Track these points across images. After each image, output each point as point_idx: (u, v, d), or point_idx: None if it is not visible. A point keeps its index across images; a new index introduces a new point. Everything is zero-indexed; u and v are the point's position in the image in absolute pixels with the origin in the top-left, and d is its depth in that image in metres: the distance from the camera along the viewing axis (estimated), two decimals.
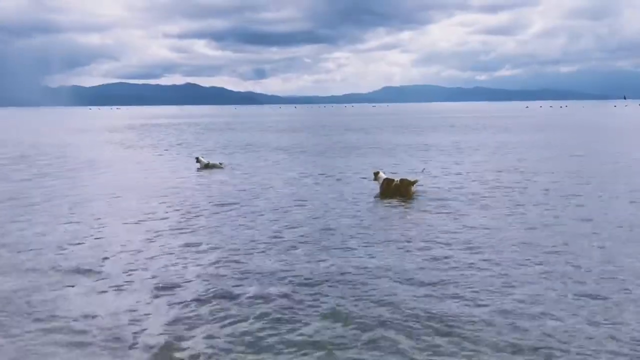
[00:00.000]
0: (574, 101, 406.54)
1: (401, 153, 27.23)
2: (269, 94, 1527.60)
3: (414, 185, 14.16)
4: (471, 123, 61.92)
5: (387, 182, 14.37)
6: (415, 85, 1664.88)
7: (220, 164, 21.80)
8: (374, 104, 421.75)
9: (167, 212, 13.07)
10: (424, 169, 14.02)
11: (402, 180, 14.28)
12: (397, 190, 14.08)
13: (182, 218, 12.44)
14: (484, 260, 8.81)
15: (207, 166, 21.23)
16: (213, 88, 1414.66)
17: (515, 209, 12.78)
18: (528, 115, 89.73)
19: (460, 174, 18.77)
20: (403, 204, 13.50)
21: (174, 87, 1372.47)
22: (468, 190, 15.31)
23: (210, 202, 14.26)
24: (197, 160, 21.71)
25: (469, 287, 7.58)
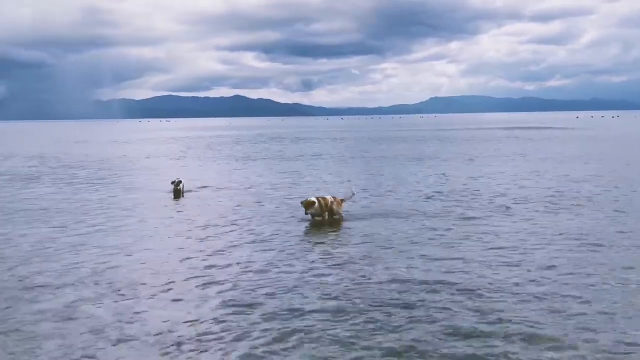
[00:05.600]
0: (626, 111, 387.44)
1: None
2: (316, 105, 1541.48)
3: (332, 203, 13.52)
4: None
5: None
6: (463, 95, 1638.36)
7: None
8: (421, 115, 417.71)
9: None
10: (353, 192, 14.53)
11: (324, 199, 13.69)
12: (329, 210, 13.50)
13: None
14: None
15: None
16: (260, 100, 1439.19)
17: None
18: (583, 126, 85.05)
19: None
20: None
21: (222, 99, 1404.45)
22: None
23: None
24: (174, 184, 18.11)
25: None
